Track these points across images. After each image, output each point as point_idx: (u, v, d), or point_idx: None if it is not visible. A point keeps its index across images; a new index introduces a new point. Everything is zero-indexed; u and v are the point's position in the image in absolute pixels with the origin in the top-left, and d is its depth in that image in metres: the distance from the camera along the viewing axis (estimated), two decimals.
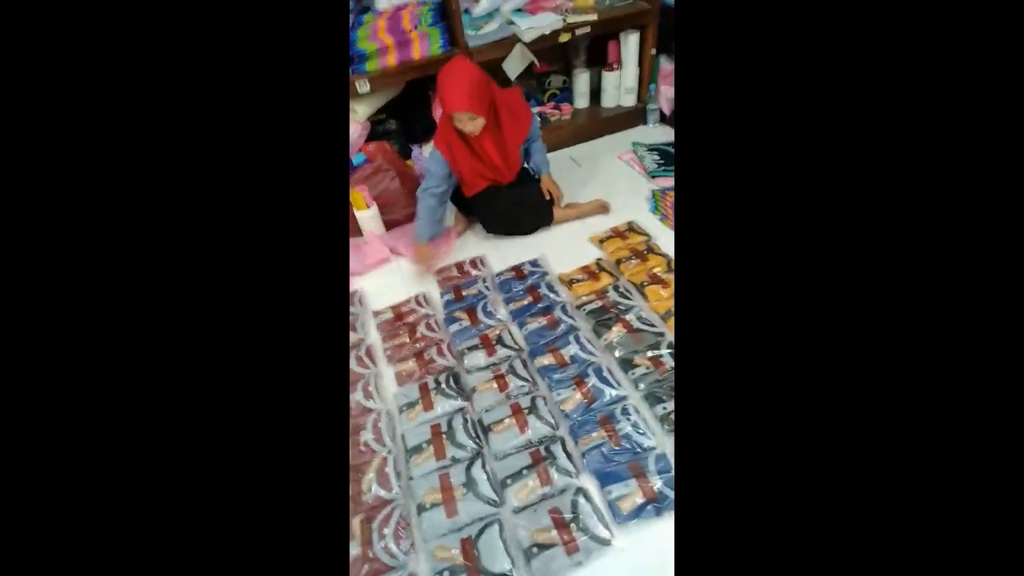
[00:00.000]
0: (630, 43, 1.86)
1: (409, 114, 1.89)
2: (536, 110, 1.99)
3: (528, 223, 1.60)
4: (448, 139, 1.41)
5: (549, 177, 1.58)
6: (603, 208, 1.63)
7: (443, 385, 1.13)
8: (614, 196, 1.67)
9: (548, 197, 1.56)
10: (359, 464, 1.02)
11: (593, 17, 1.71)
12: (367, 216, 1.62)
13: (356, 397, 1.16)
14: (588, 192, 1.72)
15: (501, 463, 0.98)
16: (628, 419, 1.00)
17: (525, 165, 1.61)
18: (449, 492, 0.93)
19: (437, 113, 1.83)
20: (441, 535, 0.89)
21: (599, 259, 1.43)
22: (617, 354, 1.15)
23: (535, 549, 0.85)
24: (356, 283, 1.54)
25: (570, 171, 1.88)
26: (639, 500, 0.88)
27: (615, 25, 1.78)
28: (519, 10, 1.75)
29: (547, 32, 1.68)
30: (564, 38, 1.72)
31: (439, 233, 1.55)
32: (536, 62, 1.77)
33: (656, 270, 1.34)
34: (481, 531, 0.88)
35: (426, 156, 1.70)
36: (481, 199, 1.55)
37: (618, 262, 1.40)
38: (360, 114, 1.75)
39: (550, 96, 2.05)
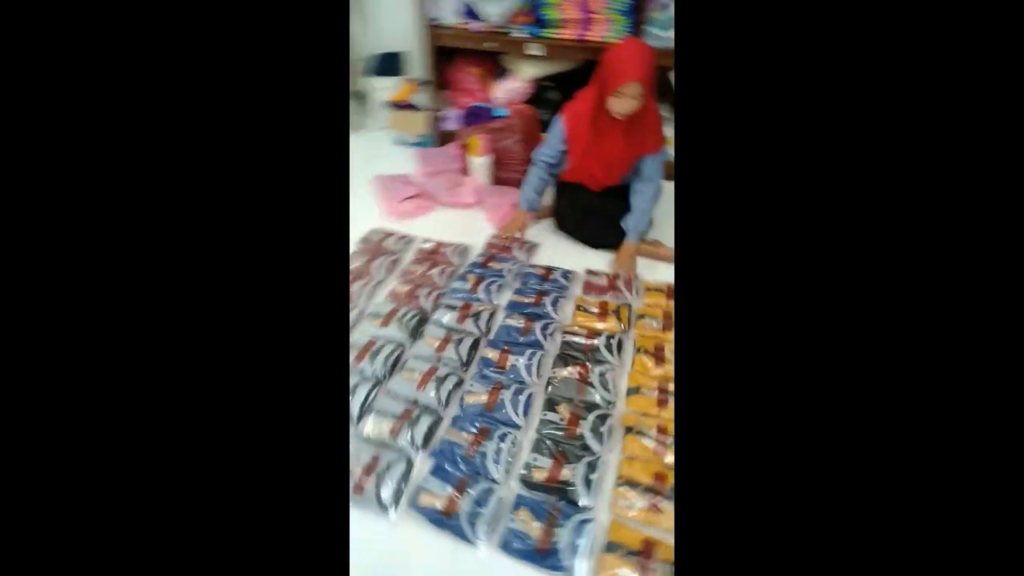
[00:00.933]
0: None
1: (574, 91, 1.90)
2: None
3: (595, 235, 1.53)
4: (580, 112, 1.37)
5: (632, 248, 1.44)
6: (671, 259, 1.46)
7: (405, 318, 1.25)
8: None
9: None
10: None
11: None
12: (477, 162, 1.75)
13: (355, 287, 1.36)
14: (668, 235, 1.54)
15: (386, 399, 1.08)
16: (498, 445, 0.98)
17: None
18: None
19: None
20: None
21: (625, 304, 1.32)
22: (548, 390, 1.10)
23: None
24: (436, 213, 1.72)
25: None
26: (438, 506, 0.90)
27: None
28: None
29: None
30: None
31: (537, 206, 1.58)
32: None
33: (667, 347, 1.19)
34: None
35: None
36: (567, 187, 1.53)
37: (641, 316, 1.28)
38: (526, 74, 1.84)
39: None
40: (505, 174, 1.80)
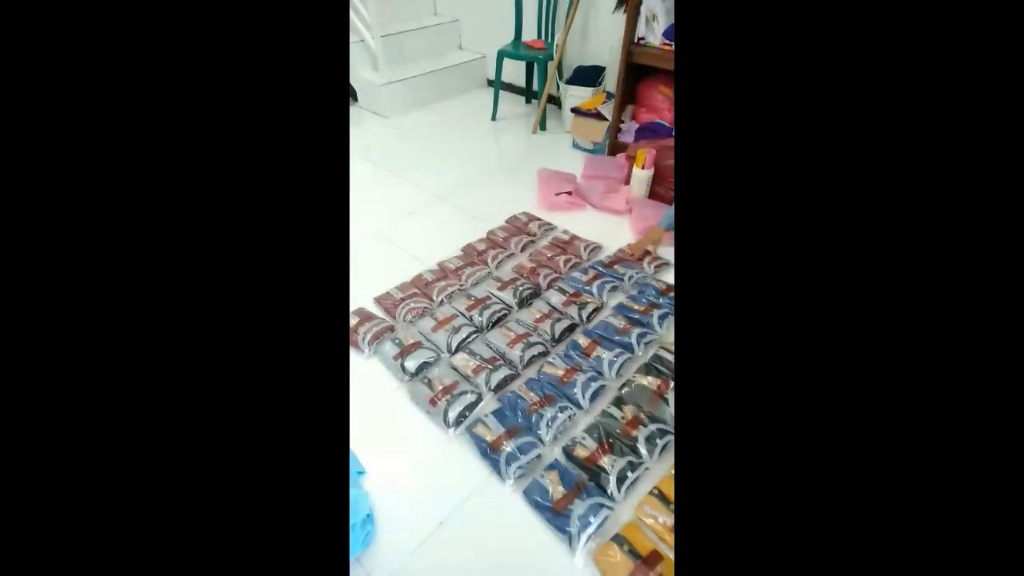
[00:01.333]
0: None
1: None
2: None
3: None
4: None
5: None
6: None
7: (520, 288, 1.42)
8: None
9: None
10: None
11: None
12: (638, 175, 1.82)
13: (491, 254, 1.57)
14: None
15: (480, 344, 1.25)
16: (556, 414, 1.07)
17: None
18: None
19: None
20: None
21: None
22: (623, 390, 1.14)
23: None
24: (585, 212, 1.85)
25: None
26: (488, 439, 1.03)
27: None
28: None
29: None
30: None
31: (672, 227, 1.60)
32: None
33: None
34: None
35: None
36: None
37: None
38: None
39: None
40: (662, 190, 1.83)
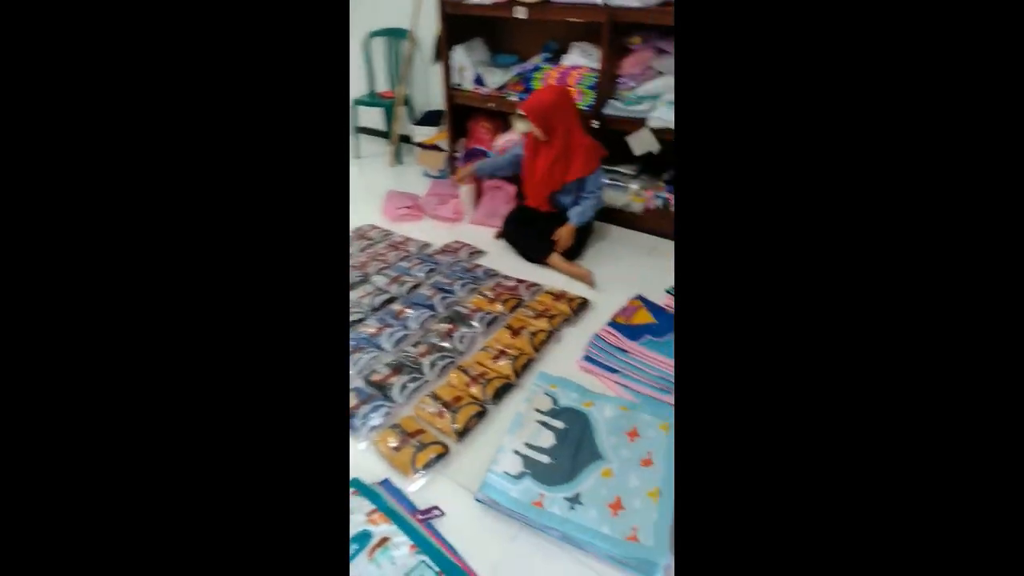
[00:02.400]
0: None
1: None
2: (662, 193, 2.07)
3: (526, 247, 1.88)
4: (533, 136, 1.87)
5: (572, 228, 1.80)
6: (588, 280, 1.73)
7: (352, 277, 1.71)
8: (613, 284, 1.72)
9: (555, 239, 1.80)
10: None
11: None
12: (463, 189, 2.23)
13: None
14: (600, 266, 1.81)
15: None
16: (361, 357, 1.35)
17: (564, 208, 1.87)
18: None
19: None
20: None
21: (515, 298, 1.62)
22: (420, 335, 1.45)
23: None
24: (424, 223, 2.21)
25: (612, 242, 1.99)
26: None
27: None
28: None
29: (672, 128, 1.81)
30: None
31: (482, 173, 2.11)
32: (655, 151, 1.90)
33: (526, 327, 1.47)
34: None
35: None
36: (517, 208, 1.96)
37: (522, 306, 1.58)
38: (519, 128, 2.33)
39: (668, 181, 2.08)
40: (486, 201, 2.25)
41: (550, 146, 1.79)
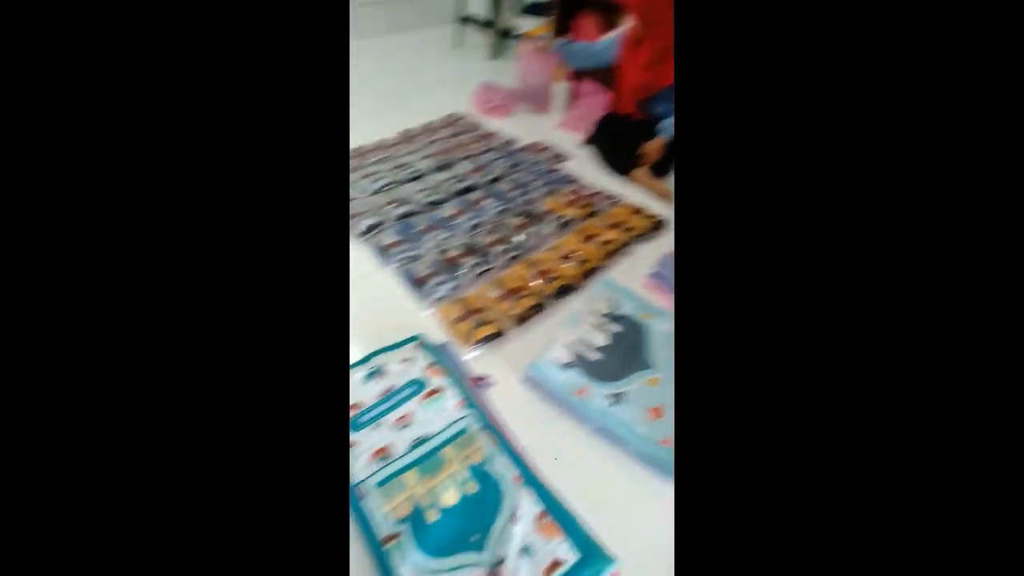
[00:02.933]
0: None
1: None
2: None
3: (612, 157, 1.79)
4: (633, 32, 1.72)
5: (662, 141, 1.68)
6: (671, 199, 1.64)
7: (431, 158, 1.75)
8: None
9: (643, 152, 1.69)
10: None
11: None
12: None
13: (423, 135, 1.89)
14: None
15: (381, 197, 1.59)
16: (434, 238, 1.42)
17: (657, 118, 1.73)
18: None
19: None
20: None
21: (589, 205, 1.58)
22: (488, 228, 1.48)
23: None
24: (515, 116, 2.16)
25: None
26: (385, 243, 1.37)
27: None
28: None
29: None
30: None
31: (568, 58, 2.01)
32: None
33: (599, 235, 1.44)
34: None
35: None
36: (607, 116, 1.85)
37: (596, 215, 1.54)
38: (624, 25, 2.11)
39: None
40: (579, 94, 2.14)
41: (649, 45, 1.62)
